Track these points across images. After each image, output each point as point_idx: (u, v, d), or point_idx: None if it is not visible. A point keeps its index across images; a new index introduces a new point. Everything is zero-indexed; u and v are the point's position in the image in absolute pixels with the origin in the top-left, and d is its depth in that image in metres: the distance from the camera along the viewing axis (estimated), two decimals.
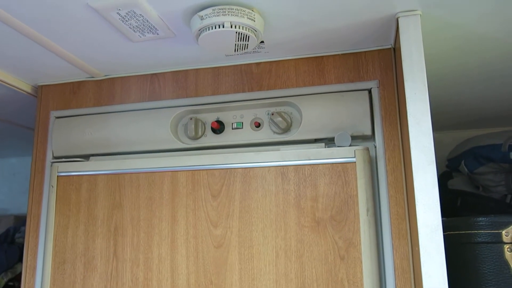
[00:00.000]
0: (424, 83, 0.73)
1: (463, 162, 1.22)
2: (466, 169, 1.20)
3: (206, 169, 0.90)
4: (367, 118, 0.87)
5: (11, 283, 1.54)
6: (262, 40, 0.86)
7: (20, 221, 1.81)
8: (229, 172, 0.89)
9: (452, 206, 1.18)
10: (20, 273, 1.54)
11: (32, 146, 1.08)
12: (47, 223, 0.99)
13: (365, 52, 0.91)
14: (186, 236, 0.89)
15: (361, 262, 0.79)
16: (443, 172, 1.34)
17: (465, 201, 1.16)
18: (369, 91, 0.89)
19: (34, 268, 0.99)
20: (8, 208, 2.06)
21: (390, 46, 0.90)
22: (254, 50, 0.91)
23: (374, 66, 0.90)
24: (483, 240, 0.79)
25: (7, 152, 2.02)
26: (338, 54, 0.92)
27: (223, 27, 0.72)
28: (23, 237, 1.65)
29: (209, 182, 0.90)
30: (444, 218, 0.69)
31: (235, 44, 0.77)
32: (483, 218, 0.80)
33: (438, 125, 1.47)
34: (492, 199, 1.14)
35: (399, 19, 0.77)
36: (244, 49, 0.79)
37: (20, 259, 1.58)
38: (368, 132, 0.87)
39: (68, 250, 0.96)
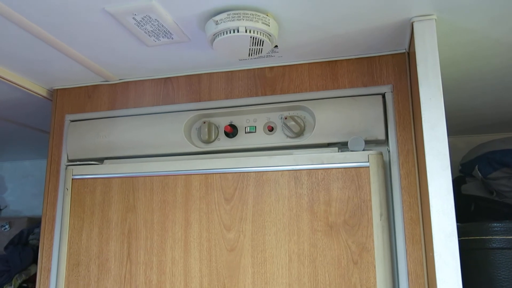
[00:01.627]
0: (439, 88, 0.73)
1: (477, 167, 1.21)
2: (479, 174, 1.19)
3: (219, 173, 0.91)
4: (380, 123, 0.87)
5: (25, 285, 1.56)
6: (276, 44, 0.86)
7: (33, 223, 1.83)
8: (242, 176, 0.89)
9: (466, 211, 1.17)
10: (34, 275, 1.56)
11: (46, 149, 1.10)
12: (61, 225, 1.00)
13: (379, 56, 0.91)
14: (199, 240, 0.89)
15: (375, 267, 0.79)
16: (456, 177, 1.33)
17: (479, 206, 1.15)
18: (383, 95, 0.89)
19: (49, 270, 1.01)
20: (21, 210, 2.09)
21: (404, 51, 0.90)
22: (268, 54, 0.91)
23: (388, 70, 0.90)
24: (498, 246, 0.78)
25: (21, 155, 2.04)
26: (352, 59, 0.92)
27: (238, 31, 0.73)
28: (37, 239, 1.67)
29: (222, 186, 0.90)
30: (458, 224, 0.69)
31: (249, 49, 0.78)
32: (498, 224, 0.79)
33: (452, 129, 1.46)
34: (506, 204, 1.12)
35: (414, 24, 0.77)
36: (258, 53, 0.80)
37: (34, 261, 1.60)
38: (382, 136, 0.87)
39: (83, 252, 0.97)
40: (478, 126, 1.46)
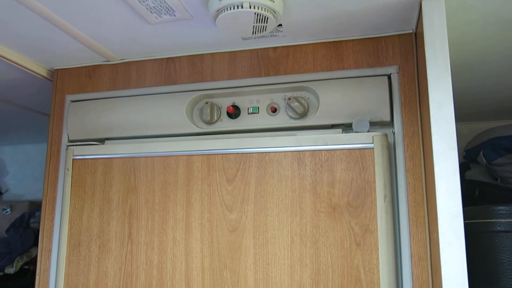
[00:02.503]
0: (447, 68, 0.71)
1: (481, 153, 1.20)
2: (484, 160, 1.18)
3: (222, 153, 0.90)
4: (386, 104, 0.86)
5: (26, 266, 1.57)
6: (280, 23, 0.85)
7: (34, 207, 1.83)
8: (244, 156, 0.88)
9: (470, 196, 1.16)
10: (35, 257, 1.56)
11: (47, 132, 1.09)
12: (62, 206, 0.99)
13: (385, 37, 0.89)
14: (201, 220, 0.88)
15: (378, 249, 0.78)
16: (461, 163, 1.32)
17: (483, 191, 1.14)
18: (389, 76, 0.87)
19: (50, 250, 1.00)
20: (23, 194, 2.09)
21: (411, 31, 0.88)
22: (272, 34, 0.89)
23: (394, 51, 0.88)
24: (503, 229, 0.77)
25: (22, 139, 2.04)
26: (357, 39, 0.90)
27: (242, 7, 0.71)
28: (38, 222, 1.67)
29: (224, 167, 0.89)
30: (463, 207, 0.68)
31: (253, 26, 0.76)
32: (503, 207, 0.78)
33: (457, 116, 1.44)
34: (511, 189, 1.11)
35: (423, 3, 0.75)
36: (262, 31, 0.78)
37: (35, 244, 1.60)
38: (387, 118, 0.85)
39: (83, 232, 0.96)
40: (483, 113, 1.44)
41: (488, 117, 1.49)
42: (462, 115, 1.47)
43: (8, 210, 1.86)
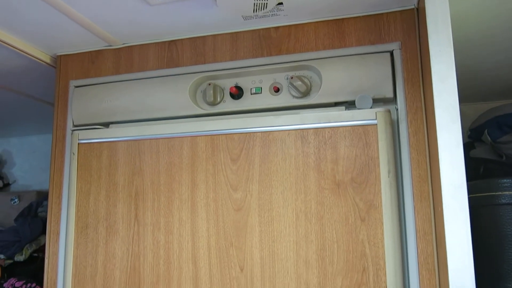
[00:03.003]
0: (449, 39, 0.71)
1: (486, 131, 1.20)
2: (489, 138, 1.17)
3: (225, 134, 0.90)
4: (388, 81, 0.86)
5: (35, 254, 1.59)
6: (281, 1, 0.84)
7: (42, 196, 1.85)
8: (248, 136, 0.89)
9: (475, 174, 1.16)
10: (44, 245, 1.58)
11: (52, 122, 1.10)
12: (69, 190, 1.00)
13: (387, 13, 0.89)
14: (206, 200, 0.89)
15: (382, 224, 0.79)
16: (465, 142, 1.31)
17: (488, 168, 1.14)
18: (391, 53, 0.87)
19: (58, 233, 1.02)
20: (30, 184, 2.11)
21: (413, 7, 0.88)
22: (273, 13, 0.89)
23: (396, 27, 0.88)
24: (507, 201, 0.77)
25: (28, 130, 2.05)
26: (359, 16, 0.90)
27: None
28: (45, 211, 1.69)
29: (229, 146, 0.89)
30: (467, 183, 0.68)
31: (254, 4, 0.76)
32: (507, 180, 0.78)
33: (461, 96, 1.43)
34: None
35: None
36: (263, 8, 0.78)
37: (43, 232, 1.62)
38: (390, 94, 0.85)
39: (91, 215, 0.97)
40: (487, 93, 1.43)
41: (492, 97, 1.48)
42: (466, 95, 1.46)
43: (16, 200, 1.88)
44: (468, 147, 1.29)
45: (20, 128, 2.01)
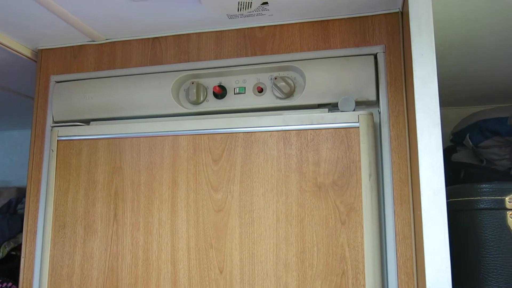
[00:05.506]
0: (432, 44, 0.71)
1: (468, 135, 1.21)
2: (470, 143, 1.19)
3: (208, 134, 0.89)
4: (372, 84, 0.86)
5: (13, 252, 1.55)
6: (266, 0, 0.84)
7: (22, 193, 1.82)
8: (230, 136, 0.88)
9: (455, 178, 1.17)
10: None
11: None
12: (47, 188, 0.98)
13: (372, 16, 0.89)
14: (187, 200, 0.88)
15: (362, 227, 0.79)
16: (448, 146, 1.33)
17: (468, 173, 1.15)
18: (375, 56, 0.87)
19: (35, 232, 0.99)
20: (10, 180, 2.07)
21: (397, 10, 0.88)
22: (258, 12, 0.88)
23: (381, 30, 0.88)
24: (486, 206, 0.78)
25: (9, 125, 2.01)
26: (344, 18, 0.90)
27: None
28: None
29: (210, 147, 0.89)
30: (447, 187, 0.68)
31: (239, 2, 0.76)
32: (486, 185, 0.78)
33: (443, 100, 1.45)
34: (497, 170, 1.12)
35: None
36: (248, 7, 0.77)
37: (22, 229, 1.59)
38: (373, 97, 0.85)
39: (69, 214, 0.96)
40: (470, 97, 1.45)
41: (475, 102, 1.49)
42: (449, 100, 1.48)
43: None
44: (450, 151, 1.30)
45: (0, 123, 1.97)
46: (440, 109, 0.70)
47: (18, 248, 1.57)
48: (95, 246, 0.92)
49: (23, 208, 1.68)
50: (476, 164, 1.16)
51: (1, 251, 1.52)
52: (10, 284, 1.26)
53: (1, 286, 1.25)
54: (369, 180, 0.80)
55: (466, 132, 1.22)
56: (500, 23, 0.91)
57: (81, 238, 0.94)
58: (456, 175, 1.18)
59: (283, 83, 0.88)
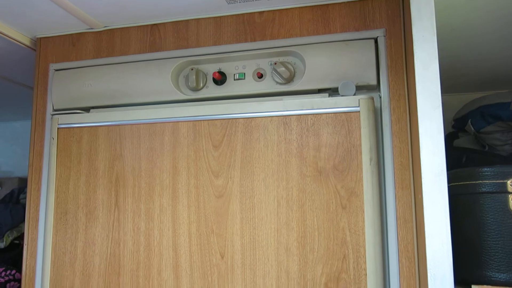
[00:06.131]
0: (433, 26, 0.70)
1: (469, 121, 1.20)
2: (472, 128, 1.18)
3: (208, 119, 0.89)
4: (372, 68, 0.85)
5: (16, 241, 1.56)
6: None
7: (24, 183, 1.82)
8: (230, 122, 0.88)
9: (457, 163, 1.17)
10: None
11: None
12: (48, 175, 0.99)
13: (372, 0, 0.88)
14: (187, 186, 0.88)
15: (363, 211, 0.79)
16: (449, 132, 1.32)
17: (470, 158, 1.14)
18: (375, 40, 0.86)
19: (37, 219, 1.00)
20: (12, 170, 2.08)
21: None
22: None
23: (381, 14, 0.87)
24: (488, 190, 0.77)
25: (10, 115, 2.01)
26: (344, 2, 0.89)
27: None
28: None
29: (211, 132, 0.88)
30: (448, 171, 0.68)
31: None
32: (488, 168, 0.78)
33: (445, 86, 1.44)
34: (499, 155, 1.12)
35: None
36: None
37: (24, 219, 1.60)
38: (373, 81, 0.85)
39: (70, 201, 0.96)
40: (472, 83, 1.43)
41: (477, 88, 1.48)
42: (451, 86, 1.47)
43: None
44: (452, 137, 1.30)
45: (2, 114, 1.97)
46: (442, 95, 0.70)
47: (21, 237, 1.58)
48: (97, 232, 0.93)
49: (25, 198, 1.69)
50: (478, 150, 1.16)
51: (5, 240, 1.53)
52: (14, 271, 1.27)
53: (5, 274, 1.26)
54: (370, 164, 0.79)
55: (468, 118, 1.21)
56: (503, 7, 0.90)
57: (83, 224, 0.94)
58: (458, 161, 1.17)
59: (283, 68, 0.87)
